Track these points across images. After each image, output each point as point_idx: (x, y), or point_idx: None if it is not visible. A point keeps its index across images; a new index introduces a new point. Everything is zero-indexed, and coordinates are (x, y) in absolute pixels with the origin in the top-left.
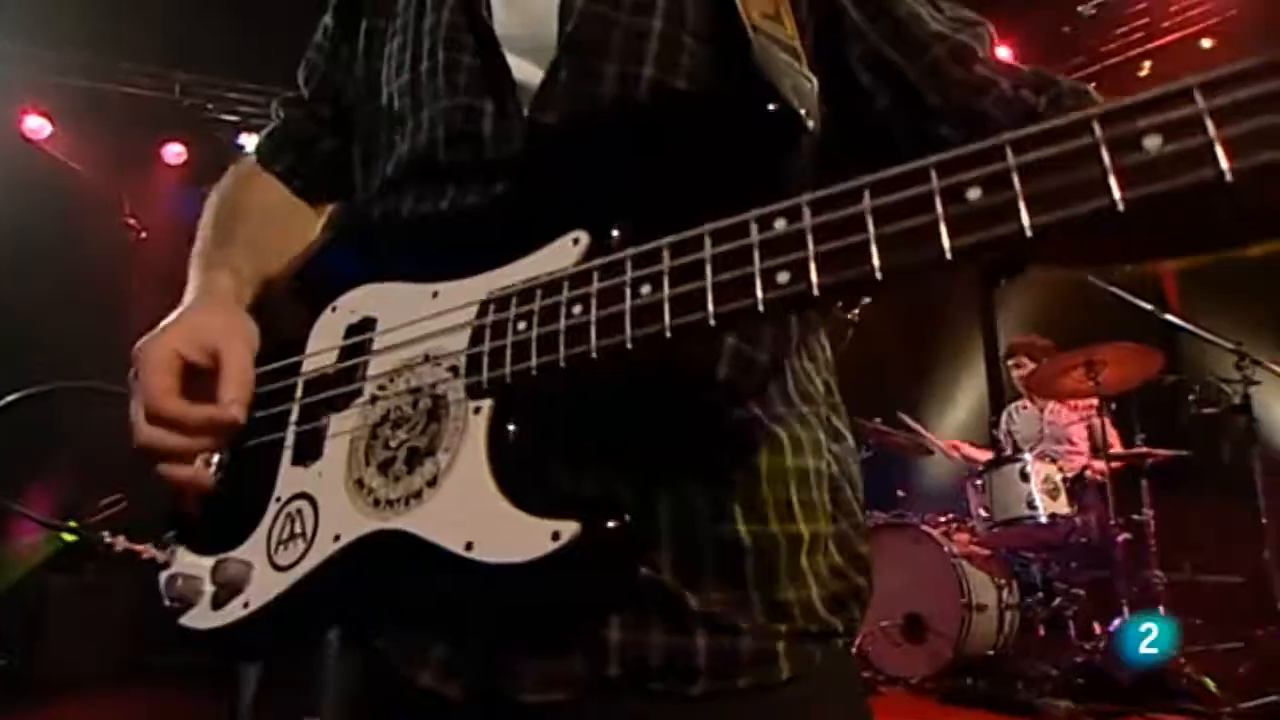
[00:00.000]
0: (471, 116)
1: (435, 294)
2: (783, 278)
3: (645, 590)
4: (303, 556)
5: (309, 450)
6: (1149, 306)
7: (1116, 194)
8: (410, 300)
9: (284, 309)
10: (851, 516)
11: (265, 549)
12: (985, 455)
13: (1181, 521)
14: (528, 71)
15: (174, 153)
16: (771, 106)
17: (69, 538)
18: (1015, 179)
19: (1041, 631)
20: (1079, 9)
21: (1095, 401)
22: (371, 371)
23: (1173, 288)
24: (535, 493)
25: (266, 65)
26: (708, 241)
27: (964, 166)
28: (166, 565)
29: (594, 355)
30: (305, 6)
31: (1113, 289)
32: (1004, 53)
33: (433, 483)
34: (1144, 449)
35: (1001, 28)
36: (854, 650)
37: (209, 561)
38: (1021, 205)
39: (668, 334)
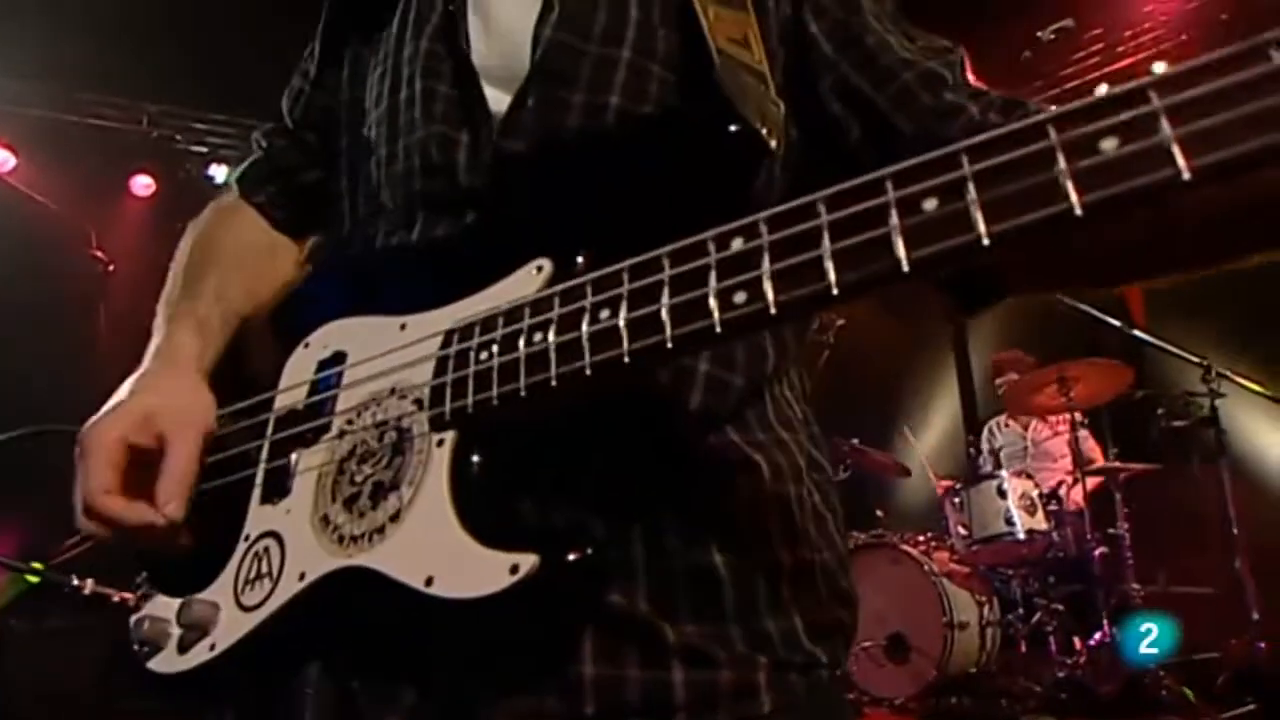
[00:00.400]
0: (446, 147)
1: (403, 326)
2: (739, 297)
3: (620, 623)
4: (269, 596)
5: (277, 488)
6: (1117, 323)
7: (1074, 198)
8: (379, 333)
9: (259, 348)
10: (833, 548)
11: (233, 589)
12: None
13: (1156, 534)
14: (503, 102)
15: (142, 184)
16: (733, 127)
17: (33, 579)
18: (971, 186)
19: (1023, 647)
20: (1039, 34)
21: (1073, 417)
22: (340, 406)
23: (1139, 303)
24: (498, 526)
25: (236, 97)
26: (666, 263)
27: (920, 176)
28: (138, 608)
29: (554, 383)
30: (275, 38)
31: (1081, 306)
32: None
33: (395, 517)
34: (1117, 463)
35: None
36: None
37: (176, 605)
38: (978, 213)
39: (625, 359)
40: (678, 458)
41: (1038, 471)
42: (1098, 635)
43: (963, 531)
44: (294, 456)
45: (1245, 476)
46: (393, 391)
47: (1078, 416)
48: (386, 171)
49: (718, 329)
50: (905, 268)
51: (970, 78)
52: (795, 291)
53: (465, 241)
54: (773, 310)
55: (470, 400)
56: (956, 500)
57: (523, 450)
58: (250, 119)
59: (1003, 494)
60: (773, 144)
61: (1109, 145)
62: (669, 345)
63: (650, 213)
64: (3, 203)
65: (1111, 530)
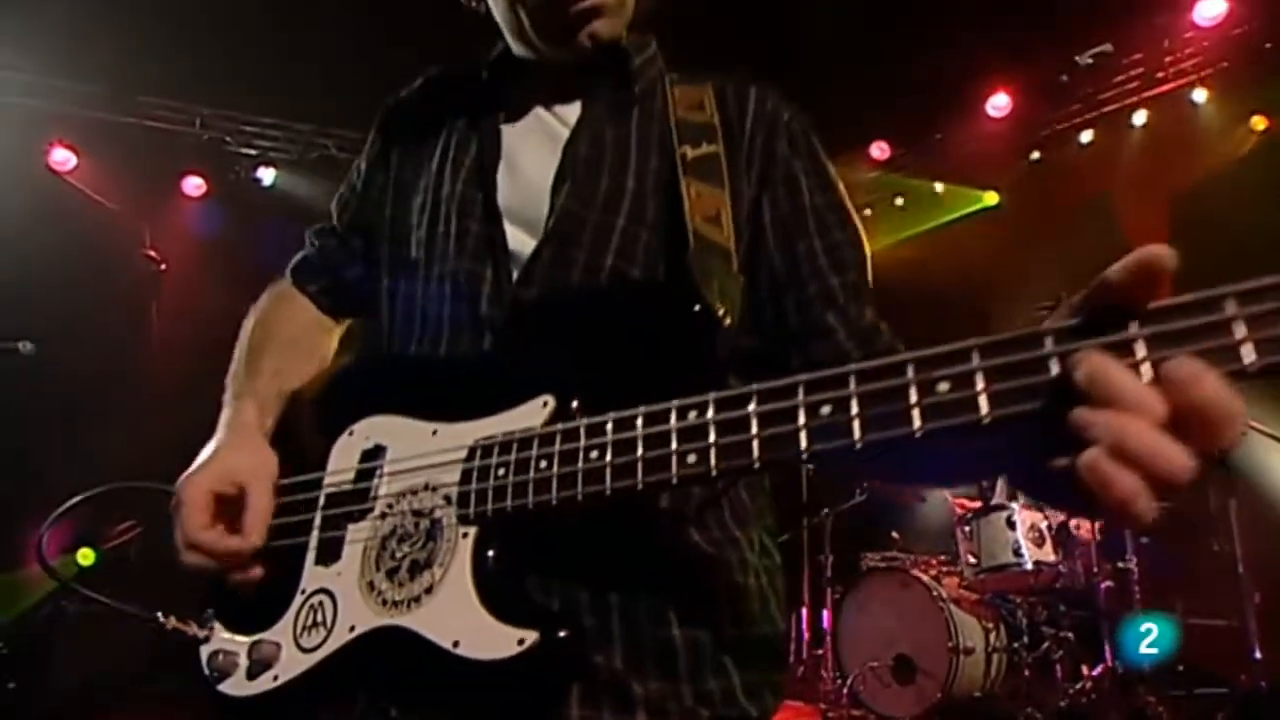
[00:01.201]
0: (474, 280)
1: (434, 432)
2: (691, 459)
3: (599, 678)
4: (324, 641)
5: (330, 553)
6: None
7: (916, 424)
8: (414, 435)
9: (309, 425)
10: (772, 624)
11: (292, 633)
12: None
13: (1163, 569)
14: (521, 240)
15: (193, 185)
16: (696, 307)
17: (85, 561)
18: (854, 403)
19: (1028, 674)
20: (1076, 58)
21: None
22: (382, 492)
23: None
24: (509, 604)
25: (284, 101)
26: (639, 422)
27: (823, 387)
28: (206, 640)
29: (554, 502)
30: (321, 47)
31: None
32: (1003, 100)
33: (429, 590)
34: None
35: (1000, 76)
36: (844, 690)
37: (245, 640)
38: (856, 425)
39: (608, 493)
40: (649, 552)
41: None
42: (1100, 667)
43: (971, 559)
44: (344, 530)
45: (1260, 516)
46: (427, 486)
47: None
48: (423, 291)
49: (674, 481)
50: (805, 457)
51: (855, 298)
52: (731, 463)
53: (485, 365)
54: (714, 474)
55: (490, 507)
56: (967, 529)
57: (528, 544)
58: (298, 124)
59: (1012, 525)
60: (727, 322)
61: (943, 388)
62: (640, 488)
63: (629, 363)
64: (64, 201)
65: (1121, 564)
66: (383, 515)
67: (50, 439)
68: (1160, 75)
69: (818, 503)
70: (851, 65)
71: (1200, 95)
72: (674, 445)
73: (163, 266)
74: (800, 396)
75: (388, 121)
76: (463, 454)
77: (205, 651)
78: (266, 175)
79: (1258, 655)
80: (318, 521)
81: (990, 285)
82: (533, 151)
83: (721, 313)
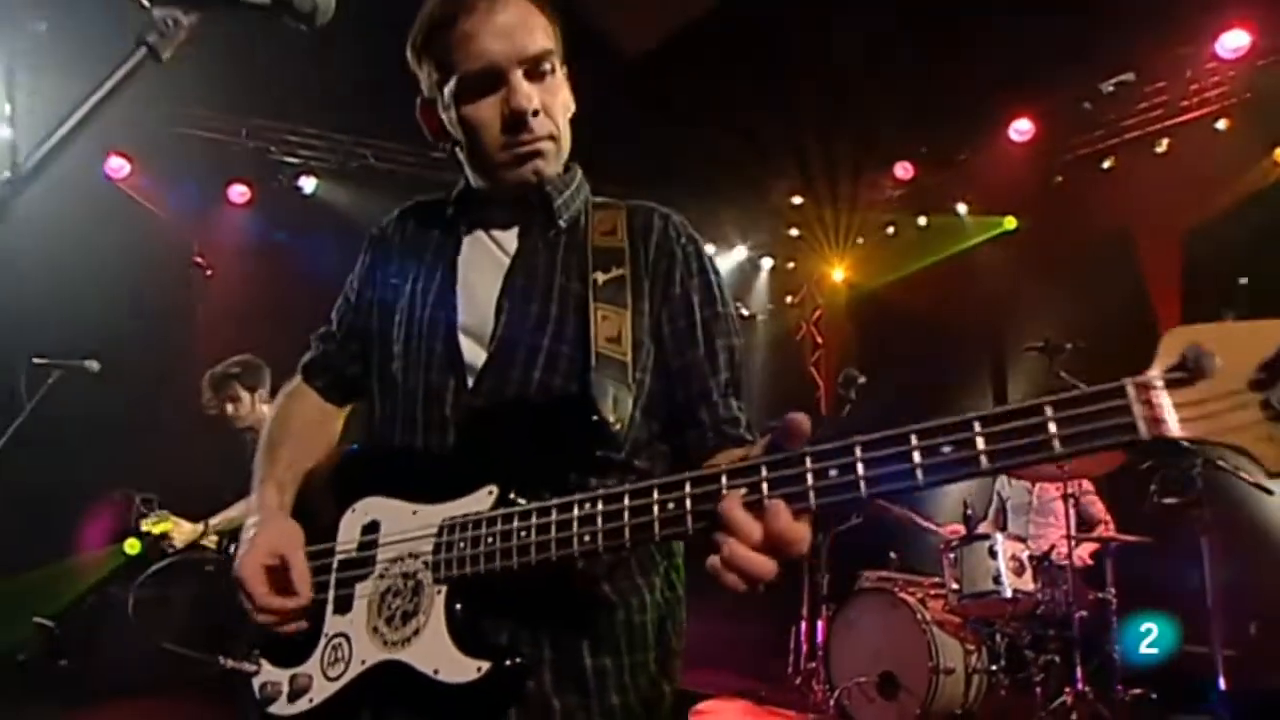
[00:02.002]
0: (439, 390)
1: (415, 512)
2: (585, 539)
3: (531, 698)
4: (344, 672)
5: (344, 605)
6: None
7: (656, 530)
8: (400, 514)
9: (322, 497)
10: (667, 646)
11: (320, 666)
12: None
13: (1143, 599)
14: (475, 352)
15: (239, 193)
16: (594, 417)
17: (131, 550)
18: (684, 501)
19: (1004, 694)
20: (1100, 86)
21: (1086, 483)
22: (380, 558)
23: None
24: (471, 642)
25: (326, 112)
26: (554, 512)
27: (667, 489)
28: (255, 673)
29: (498, 569)
30: (364, 58)
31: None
32: (1025, 125)
33: (417, 633)
34: (1108, 534)
35: (1023, 103)
36: (831, 702)
37: (287, 673)
38: (659, 522)
39: (533, 563)
40: (570, 602)
41: (1041, 528)
42: (1067, 690)
43: (955, 585)
44: (353, 588)
45: (1221, 554)
46: (411, 555)
47: (1086, 484)
48: (404, 396)
49: (576, 554)
50: (665, 536)
51: (724, 396)
52: (617, 543)
53: (448, 457)
54: (604, 553)
55: (455, 572)
56: (952, 555)
57: (483, 597)
58: (337, 134)
59: (993, 554)
60: (616, 428)
61: (670, 506)
62: (554, 559)
63: (551, 454)
64: (115, 208)
65: (1100, 595)
66: (380, 576)
67: (100, 441)
68: (1183, 104)
69: (816, 524)
70: (878, 87)
71: (1222, 125)
72: (574, 529)
73: (209, 273)
74: (655, 495)
75: (374, 246)
76: (434, 530)
77: (256, 682)
78: (308, 184)
79: (1221, 686)
80: (333, 581)
81: (1004, 310)
82: (482, 277)
83: (613, 420)
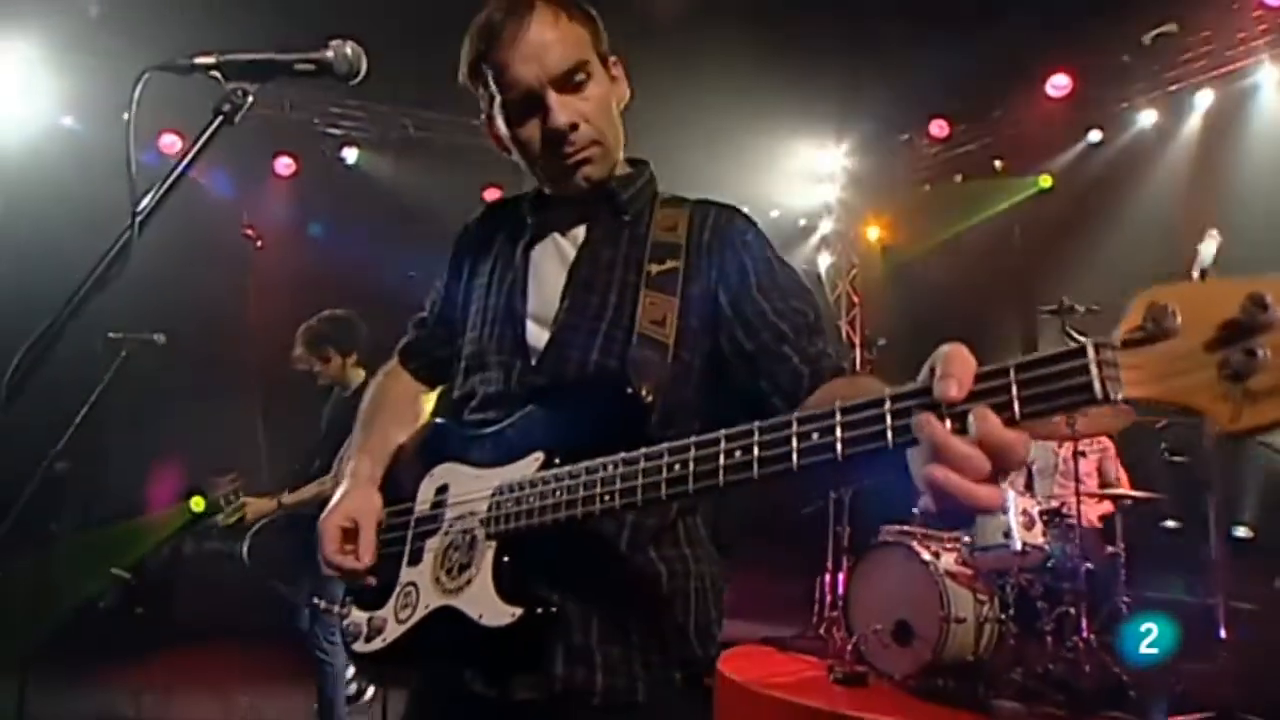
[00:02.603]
0: (508, 369)
1: (477, 476)
2: (605, 499)
3: (577, 647)
4: (411, 616)
5: (416, 558)
6: None
7: (839, 451)
8: (465, 478)
9: (408, 468)
10: (705, 614)
11: (394, 610)
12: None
13: (1149, 555)
14: (539, 336)
15: (284, 165)
16: (629, 390)
17: (197, 508)
18: (752, 448)
19: (1014, 643)
20: (1141, 38)
21: (1108, 444)
22: (446, 517)
23: None
24: (513, 591)
25: (366, 83)
26: (583, 472)
27: (702, 445)
28: (345, 616)
29: (537, 525)
30: (401, 30)
31: None
32: (1063, 80)
33: (469, 582)
34: (1122, 490)
35: (1061, 56)
36: (849, 648)
37: (367, 615)
38: (755, 460)
39: (562, 519)
40: (617, 564)
41: (1065, 488)
42: (1074, 639)
43: (967, 539)
44: (424, 543)
45: (1227, 509)
46: (470, 514)
47: (1108, 445)
48: (479, 375)
49: (597, 513)
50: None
51: (807, 334)
52: (627, 500)
53: (510, 427)
54: (618, 508)
55: (502, 528)
56: None
57: (529, 551)
58: (379, 105)
59: (1004, 510)
60: (648, 400)
61: (814, 436)
62: (579, 517)
63: (592, 425)
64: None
65: (1110, 548)
66: (445, 532)
67: (166, 409)
68: (1229, 53)
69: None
70: (915, 44)
71: (1266, 76)
72: (598, 489)
73: (259, 244)
74: (664, 458)
75: (459, 243)
76: (489, 492)
77: (344, 623)
78: (350, 155)
79: (1222, 634)
80: (409, 536)
81: (1039, 271)
82: (551, 268)
83: (645, 393)
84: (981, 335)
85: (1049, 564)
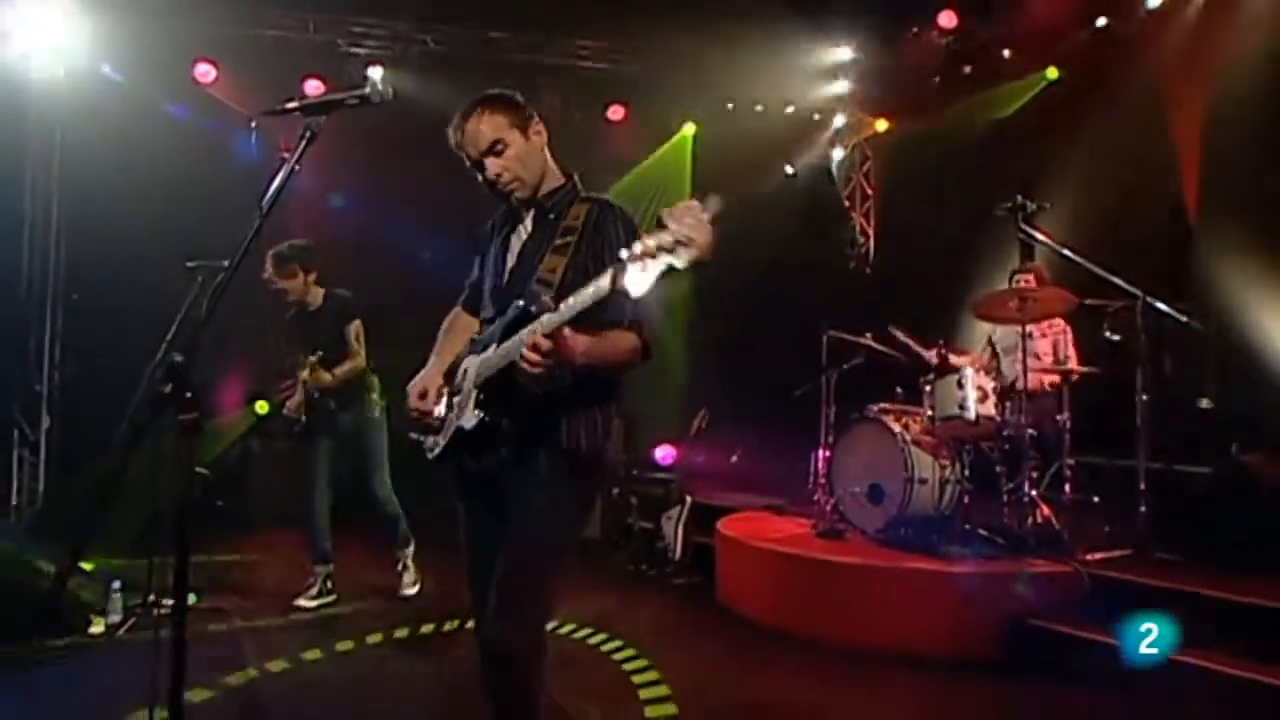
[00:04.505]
0: (492, 303)
1: (478, 359)
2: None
3: (511, 436)
4: (449, 435)
5: (451, 406)
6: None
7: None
8: (474, 361)
9: (458, 359)
10: (593, 436)
11: (445, 434)
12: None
13: (1089, 422)
14: (505, 285)
15: (313, 87)
16: (532, 309)
17: (261, 410)
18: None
19: (968, 500)
20: None
21: (1063, 325)
22: (465, 381)
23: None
24: (484, 411)
25: (389, 4)
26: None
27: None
28: (431, 443)
29: (491, 374)
30: None
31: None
32: None
33: (463, 409)
34: (1069, 367)
35: None
36: (830, 508)
37: (433, 438)
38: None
39: (494, 376)
40: (535, 403)
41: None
42: (1020, 495)
43: (930, 411)
44: (454, 398)
45: (1155, 383)
46: (471, 377)
47: (1063, 327)
48: (485, 309)
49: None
50: None
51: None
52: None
53: (489, 330)
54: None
55: (479, 380)
56: (929, 387)
57: (493, 394)
58: (398, 22)
59: (961, 385)
60: (535, 311)
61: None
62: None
63: (514, 329)
64: (209, 112)
65: (1057, 418)
66: (458, 390)
67: (230, 326)
68: None
69: (826, 365)
70: None
71: None
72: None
73: (298, 167)
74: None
75: (479, 238)
76: (477, 365)
77: (425, 444)
78: (375, 74)
79: (1141, 486)
80: (449, 392)
81: (1037, 165)
82: (513, 246)
83: (535, 310)
84: (975, 230)
85: (1004, 432)
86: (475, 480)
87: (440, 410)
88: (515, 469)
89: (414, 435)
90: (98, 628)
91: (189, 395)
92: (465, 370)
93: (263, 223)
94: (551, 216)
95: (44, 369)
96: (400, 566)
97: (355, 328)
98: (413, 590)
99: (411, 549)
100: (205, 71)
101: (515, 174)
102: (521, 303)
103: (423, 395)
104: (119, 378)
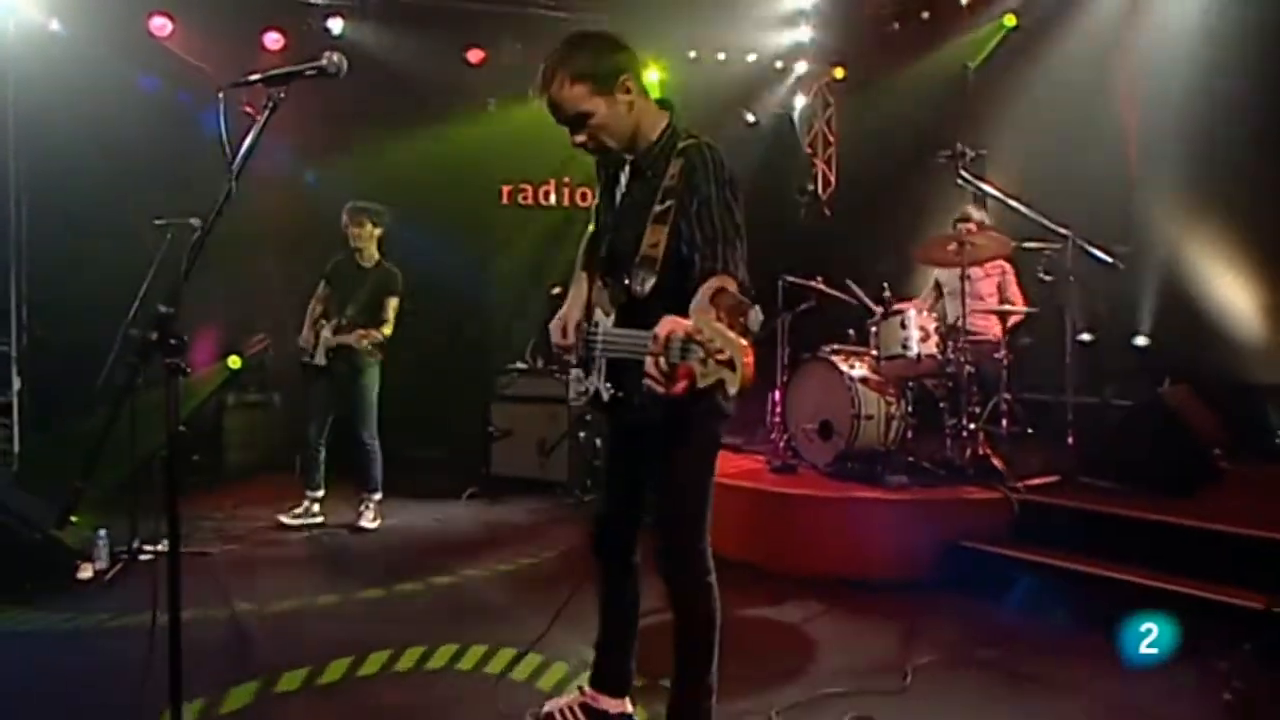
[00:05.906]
0: (611, 268)
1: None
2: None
3: (638, 405)
4: (595, 381)
5: (593, 354)
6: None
7: None
8: (605, 322)
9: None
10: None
11: (591, 376)
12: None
13: (1028, 357)
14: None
15: (273, 40)
16: (636, 289)
17: (234, 365)
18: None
19: (911, 435)
20: None
21: (1008, 268)
22: (598, 332)
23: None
24: (614, 381)
25: None
26: (625, 337)
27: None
28: (567, 377)
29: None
30: None
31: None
32: None
33: (595, 375)
34: (1008, 307)
35: None
36: (784, 444)
37: (579, 380)
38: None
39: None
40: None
41: (971, 308)
42: (961, 428)
43: (875, 351)
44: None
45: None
46: (598, 341)
47: (1009, 269)
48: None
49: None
50: None
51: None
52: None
53: (614, 297)
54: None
55: (603, 353)
56: (874, 328)
57: (616, 366)
58: None
59: (904, 325)
60: (641, 295)
61: None
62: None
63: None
64: (167, 67)
65: (995, 355)
66: (594, 338)
67: (201, 282)
68: None
69: (781, 309)
70: None
71: None
72: (624, 344)
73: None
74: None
75: (600, 171)
76: (602, 333)
77: (570, 380)
78: (335, 25)
79: (1069, 418)
80: (587, 337)
81: (988, 106)
82: (618, 196)
83: (639, 289)
84: (924, 178)
85: (947, 369)
86: (619, 420)
87: (569, 340)
88: (656, 425)
89: (555, 372)
90: (85, 574)
91: (174, 342)
92: (598, 324)
93: (233, 186)
94: (649, 174)
95: (11, 330)
96: (363, 506)
97: (394, 303)
98: (373, 525)
99: (379, 496)
100: (161, 25)
101: (601, 141)
102: (628, 282)
103: (564, 332)
104: (87, 335)
